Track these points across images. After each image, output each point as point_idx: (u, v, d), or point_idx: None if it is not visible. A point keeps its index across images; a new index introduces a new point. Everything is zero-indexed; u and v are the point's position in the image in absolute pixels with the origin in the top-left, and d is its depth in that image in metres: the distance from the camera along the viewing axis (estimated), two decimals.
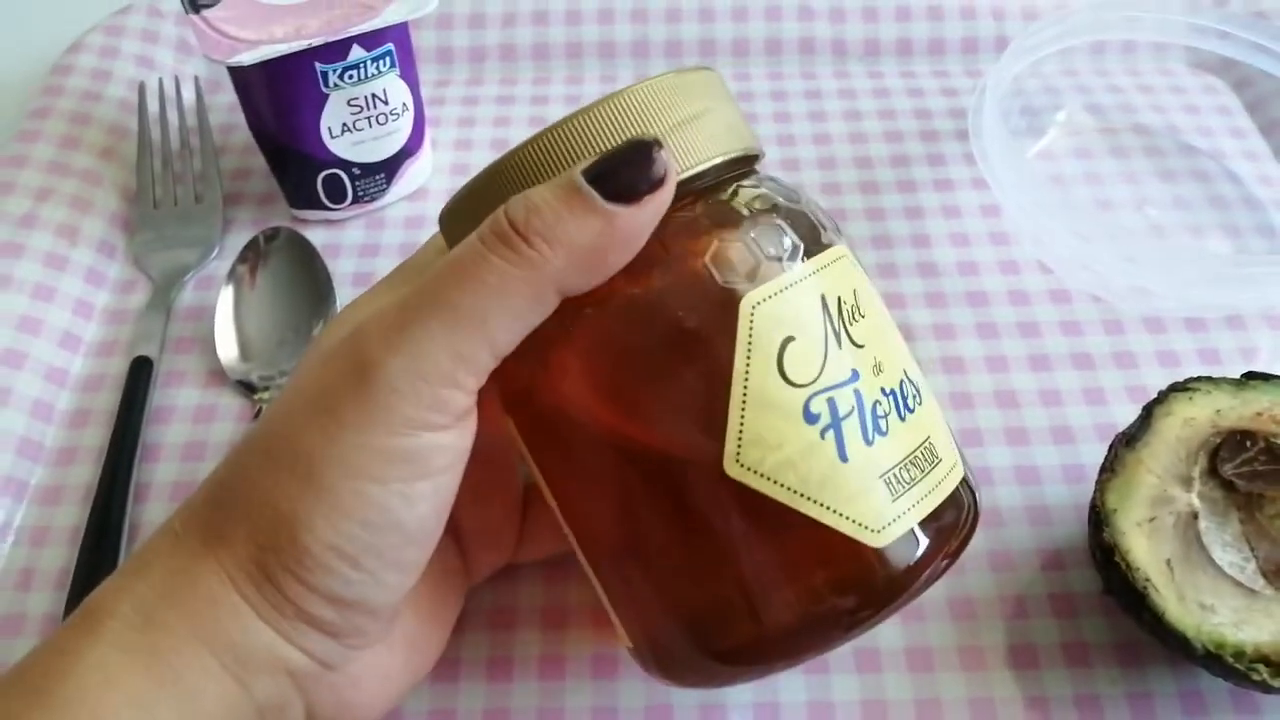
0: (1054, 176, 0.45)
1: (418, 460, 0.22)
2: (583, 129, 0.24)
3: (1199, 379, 0.32)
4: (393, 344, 0.22)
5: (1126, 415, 0.37)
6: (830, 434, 0.23)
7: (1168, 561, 0.29)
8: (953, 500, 0.25)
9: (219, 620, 0.23)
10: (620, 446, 0.24)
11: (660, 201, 0.23)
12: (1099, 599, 0.32)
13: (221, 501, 0.24)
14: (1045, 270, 0.41)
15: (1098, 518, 0.30)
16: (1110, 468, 0.31)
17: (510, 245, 0.22)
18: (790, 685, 0.31)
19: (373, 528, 0.22)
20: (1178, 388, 0.32)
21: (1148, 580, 0.29)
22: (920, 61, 0.50)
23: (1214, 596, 0.29)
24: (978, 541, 0.34)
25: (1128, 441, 0.31)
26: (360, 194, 0.43)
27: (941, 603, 0.32)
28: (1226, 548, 0.30)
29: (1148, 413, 0.32)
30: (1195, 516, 0.30)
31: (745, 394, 0.22)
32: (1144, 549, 0.29)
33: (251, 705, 0.23)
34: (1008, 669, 0.31)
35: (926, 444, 0.24)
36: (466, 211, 0.25)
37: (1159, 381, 0.38)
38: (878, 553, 0.23)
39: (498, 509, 0.29)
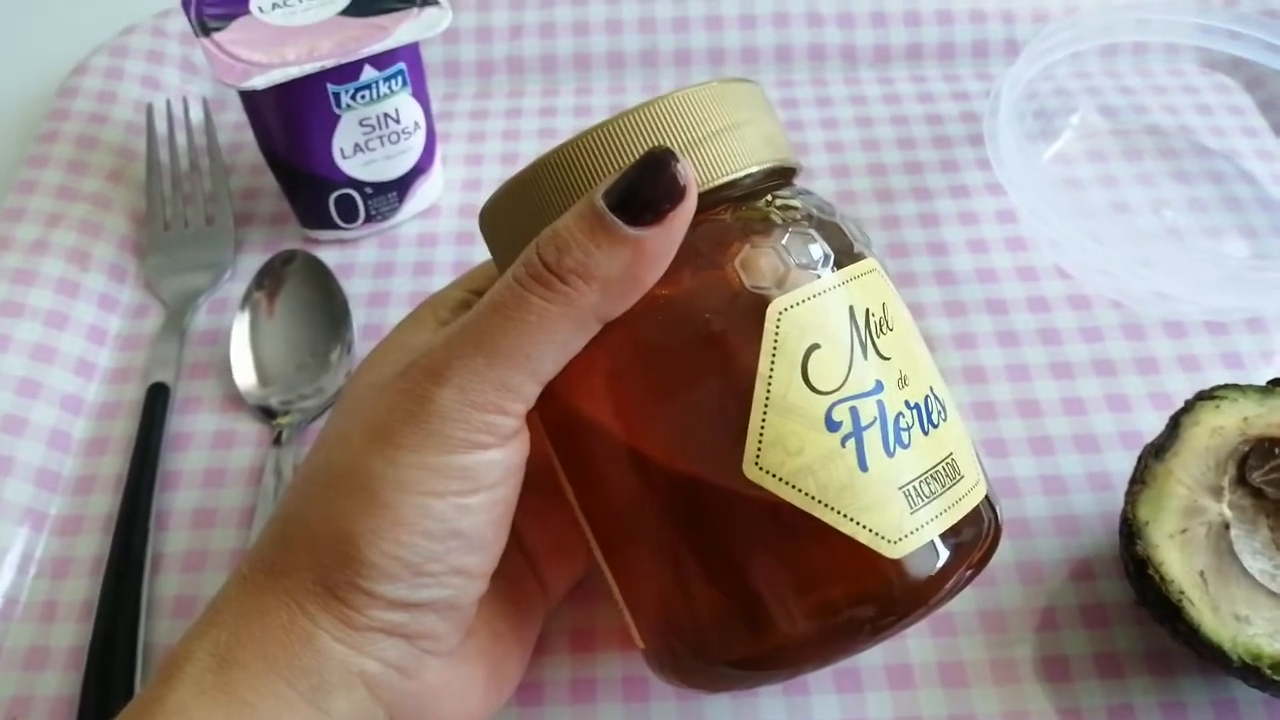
0: (1069, 180, 0.45)
1: (471, 475, 0.23)
2: (623, 132, 0.24)
3: (1225, 387, 0.32)
4: (442, 378, 0.23)
5: (1150, 422, 0.37)
6: (851, 442, 0.23)
7: (1201, 573, 0.29)
8: (973, 516, 0.25)
9: (290, 648, 0.23)
10: (640, 448, 0.24)
11: (684, 214, 0.23)
12: (1129, 608, 0.32)
13: (284, 536, 0.25)
14: (1064, 276, 0.41)
15: (1129, 531, 0.30)
16: (1140, 479, 0.31)
17: (547, 285, 0.23)
18: (823, 704, 0.31)
19: (432, 536, 0.23)
20: (1204, 396, 0.32)
21: (1182, 593, 0.28)
22: (931, 66, 0.50)
23: (1249, 608, 0.29)
24: (1006, 553, 0.34)
25: (1156, 452, 0.31)
26: (373, 213, 0.42)
27: (972, 616, 0.32)
28: (1257, 555, 0.30)
29: (1175, 423, 0.32)
30: (1227, 526, 0.30)
31: (768, 398, 0.23)
32: (1177, 561, 0.29)
33: None
34: (1040, 681, 0.31)
35: (949, 460, 0.24)
36: (507, 213, 0.26)
37: (1182, 387, 0.38)
38: (894, 563, 0.23)
39: (561, 521, 0.30)
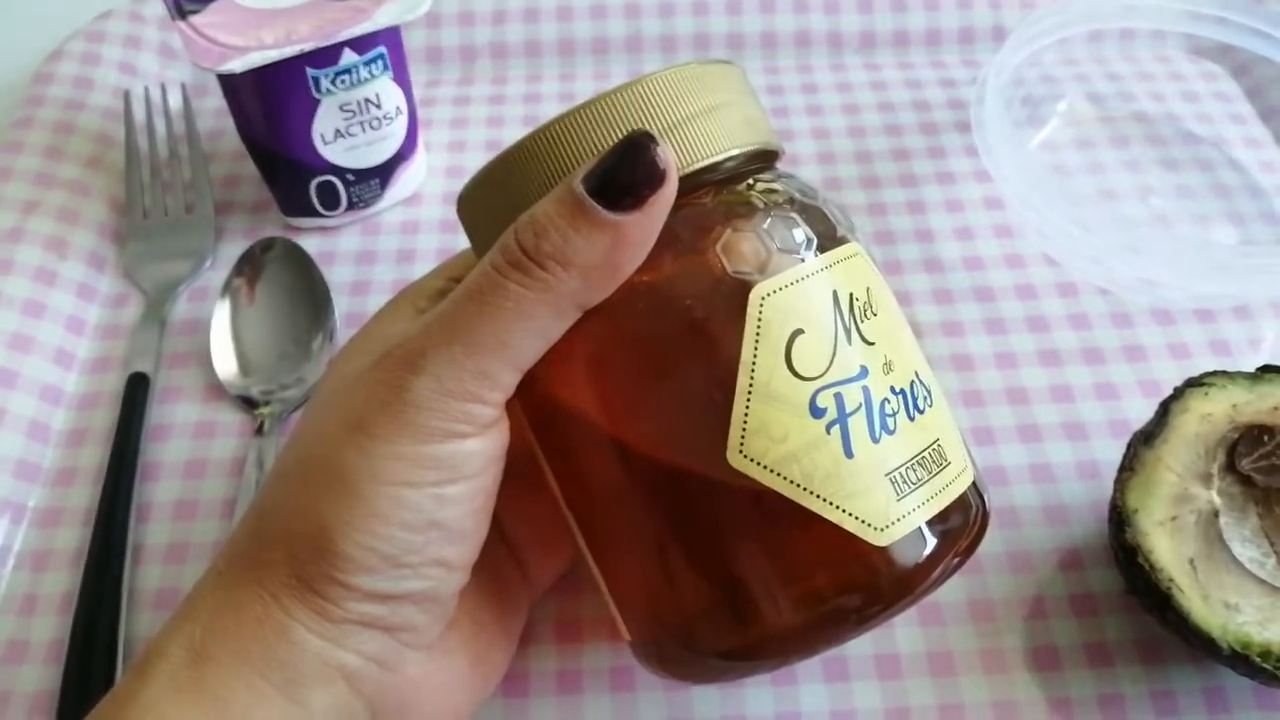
0: (1056, 167, 0.45)
1: (448, 465, 0.23)
2: (601, 115, 0.23)
3: (1214, 374, 0.32)
4: (417, 367, 0.23)
5: (1139, 409, 0.37)
6: (836, 429, 0.22)
7: (1190, 561, 0.29)
8: (960, 503, 0.24)
9: (265, 641, 0.23)
10: (622, 437, 0.24)
11: (664, 199, 0.23)
12: (1119, 597, 0.32)
13: (259, 530, 0.24)
14: (1051, 263, 0.41)
15: (1119, 518, 0.30)
16: (1129, 466, 0.31)
17: (525, 271, 0.22)
18: (811, 694, 0.31)
19: (410, 527, 0.23)
20: (1193, 383, 0.32)
21: (1171, 581, 0.28)
22: (918, 52, 0.50)
23: (1239, 595, 0.28)
24: (995, 542, 0.33)
25: (1146, 439, 0.31)
26: (355, 200, 0.42)
27: (962, 605, 0.32)
28: (1246, 543, 0.30)
29: (1164, 410, 0.31)
30: (1216, 514, 0.30)
31: (751, 384, 0.22)
32: (1166, 549, 0.29)
33: None
34: (1030, 670, 0.31)
35: (935, 446, 0.24)
36: (485, 198, 0.25)
37: (1170, 374, 0.37)
38: (881, 551, 0.23)
39: (545, 511, 0.30)
